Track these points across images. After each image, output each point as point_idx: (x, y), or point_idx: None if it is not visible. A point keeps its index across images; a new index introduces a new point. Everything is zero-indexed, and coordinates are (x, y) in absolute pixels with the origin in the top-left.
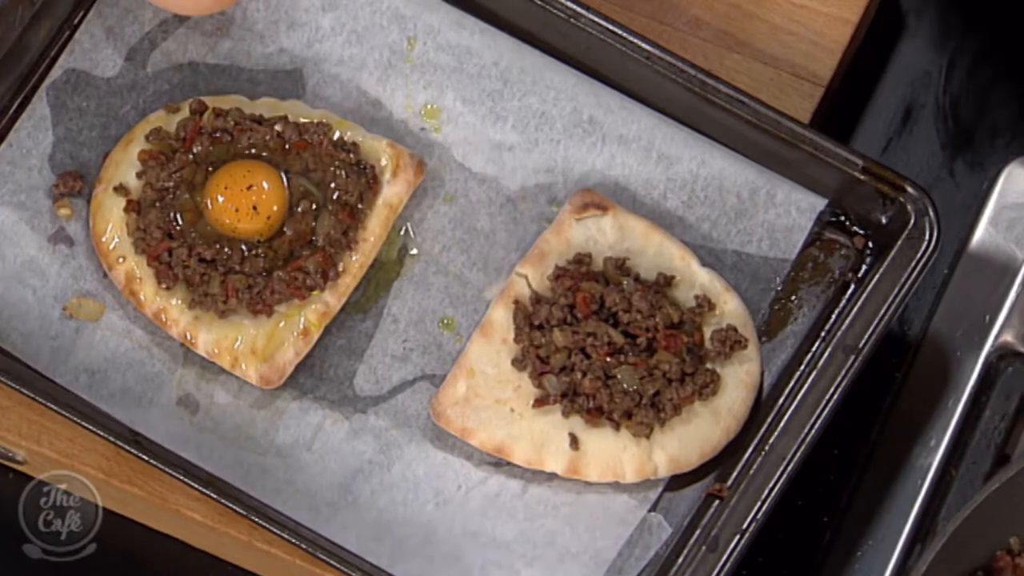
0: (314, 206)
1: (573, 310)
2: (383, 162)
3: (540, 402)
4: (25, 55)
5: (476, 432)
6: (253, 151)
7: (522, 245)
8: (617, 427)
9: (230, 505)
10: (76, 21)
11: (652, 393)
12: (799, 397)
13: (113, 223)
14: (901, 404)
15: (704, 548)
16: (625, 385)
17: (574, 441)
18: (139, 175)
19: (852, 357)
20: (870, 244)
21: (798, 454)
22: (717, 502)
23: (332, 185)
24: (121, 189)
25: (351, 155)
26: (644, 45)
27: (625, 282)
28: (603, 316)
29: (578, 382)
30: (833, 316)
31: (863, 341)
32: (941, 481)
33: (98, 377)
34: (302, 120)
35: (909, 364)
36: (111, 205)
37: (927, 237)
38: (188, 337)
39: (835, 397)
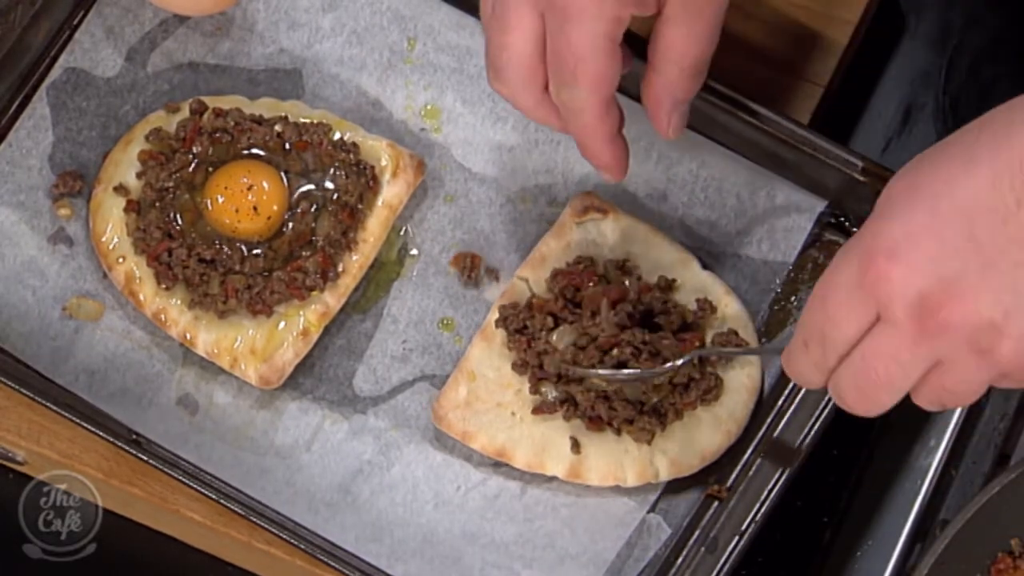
0: (314, 206)
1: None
2: (383, 162)
3: (539, 409)
4: (25, 55)
5: (477, 436)
6: (253, 151)
7: (522, 246)
8: (618, 432)
9: (230, 505)
10: (76, 21)
11: (655, 402)
12: (799, 398)
13: (113, 223)
14: (901, 404)
15: (703, 549)
16: (628, 395)
17: (575, 445)
18: (139, 175)
19: None
20: None
21: (797, 455)
22: (716, 503)
23: (332, 185)
24: (121, 189)
25: (351, 155)
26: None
27: (627, 281)
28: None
29: (575, 394)
30: None
31: None
32: (941, 481)
33: (98, 377)
34: (302, 120)
35: None
36: (111, 205)
37: None
38: (187, 337)
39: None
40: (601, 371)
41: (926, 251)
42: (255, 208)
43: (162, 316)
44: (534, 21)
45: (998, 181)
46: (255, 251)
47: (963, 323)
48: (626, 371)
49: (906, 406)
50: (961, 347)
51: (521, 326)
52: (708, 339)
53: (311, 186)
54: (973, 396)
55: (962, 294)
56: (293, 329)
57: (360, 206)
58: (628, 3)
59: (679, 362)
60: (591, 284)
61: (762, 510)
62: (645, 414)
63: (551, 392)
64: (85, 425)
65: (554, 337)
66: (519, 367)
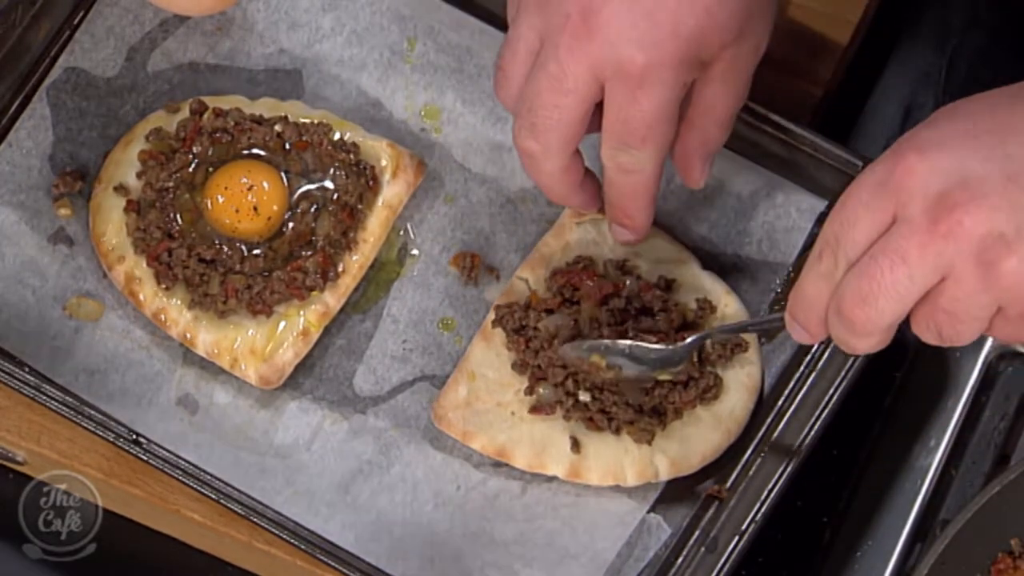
0: (314, 206)
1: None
2: (383, 163)
3: (536, 409)
4: (25, 55)
5: (477, 436)
6: (253, 151)
7: (522, 246)
8: (618, 432)
9: (230, 505)
10: (76, 21)
11: (653, 406)
12: (799, 398)
13: (113, 223)
14: (901, 404)
15: (703, 549)
16: (629, 400)
17: (575, 445)
18: (139, 175)
19: (852, 357)
20: None
21: (797, 455)
22: (716, 503)
23: (332, 185)
24: (121, 189)
25: (351, 156)
26: None
27: (628, 281)
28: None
29: (572, 404)
30: None
31: None
32: (941, 481)
33: (98, 377)
34: (302, 120)
35: (909, 364)
36: (111, 205)
37: None
38: (187, 337)
39: (835, 398)
40: (605, 341)
41: (956, 153)
42: (255, 208)
43: (162, 316)
44: (592, 86)
45: None
46: (255, 251)
47: (974, 228)
48: (627, 342)
49: (906, 405)
50: (967, 257)
51: (519, 326)
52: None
53: (311, 186)
54: (970, 324)
55: (980, 199)
56: (293, 329)
57: (360, 206)
58: (694, 67)
59: (689, 340)
60: (590, 284)
61: (762, 510)
62: (645, 415)
63: (548, 392)
64: (85, 425)
65: (544, 324)
66: (519, 367)
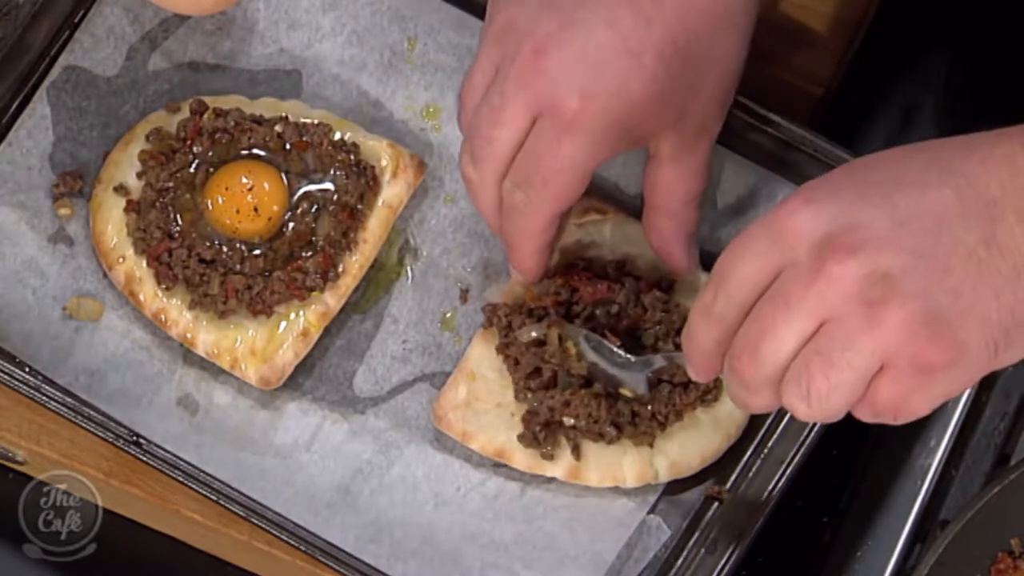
0: (314, 207)
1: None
2: (383, 163)
3: (529, 417)
4: (25, 55)
5: (477, 436)
6: (253, 151)
7: None
8: (618, 433)
9: (229, 506)
10: (76, 21)
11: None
12: None
13: (113, 223)
14: None
15: (703, 550)
16: (611, 418)
17: (575, 446)
18: (139, 175)
19: None
20: None
21: (797, 456)
22: (716, 504)
23: (332, 186)
24: (121, 189)
25: (351, 156)
26: None
27: (628, 282)
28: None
29: (559, 428)
30: None
31: None
32: (941, 481)
33: (98, 377)
34: (302, 120)
35: None
36: (111, 205)
37: None
38: (188, 338)
39: None
40: (584, 330)
41: (843, 198)
42: (255, 208)
43: (162, 316)
44: (525, 122)
45: (930, 163)
46: (255, 251)
47: (860, 267)
48: (597, 337)
49: None
50: (851, 297)
51: (506, 324)
52: None
53: (311, 186)
54: (846, 374)
55: (867, 240)
56: (293, 329)
57: (360, 206)
58: (624, 137)
59: (640, 358)
60: (589, 284)
61: (762, 511)
62: (645, 418)
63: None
64: (85, 425)
65: (517, 335)
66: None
